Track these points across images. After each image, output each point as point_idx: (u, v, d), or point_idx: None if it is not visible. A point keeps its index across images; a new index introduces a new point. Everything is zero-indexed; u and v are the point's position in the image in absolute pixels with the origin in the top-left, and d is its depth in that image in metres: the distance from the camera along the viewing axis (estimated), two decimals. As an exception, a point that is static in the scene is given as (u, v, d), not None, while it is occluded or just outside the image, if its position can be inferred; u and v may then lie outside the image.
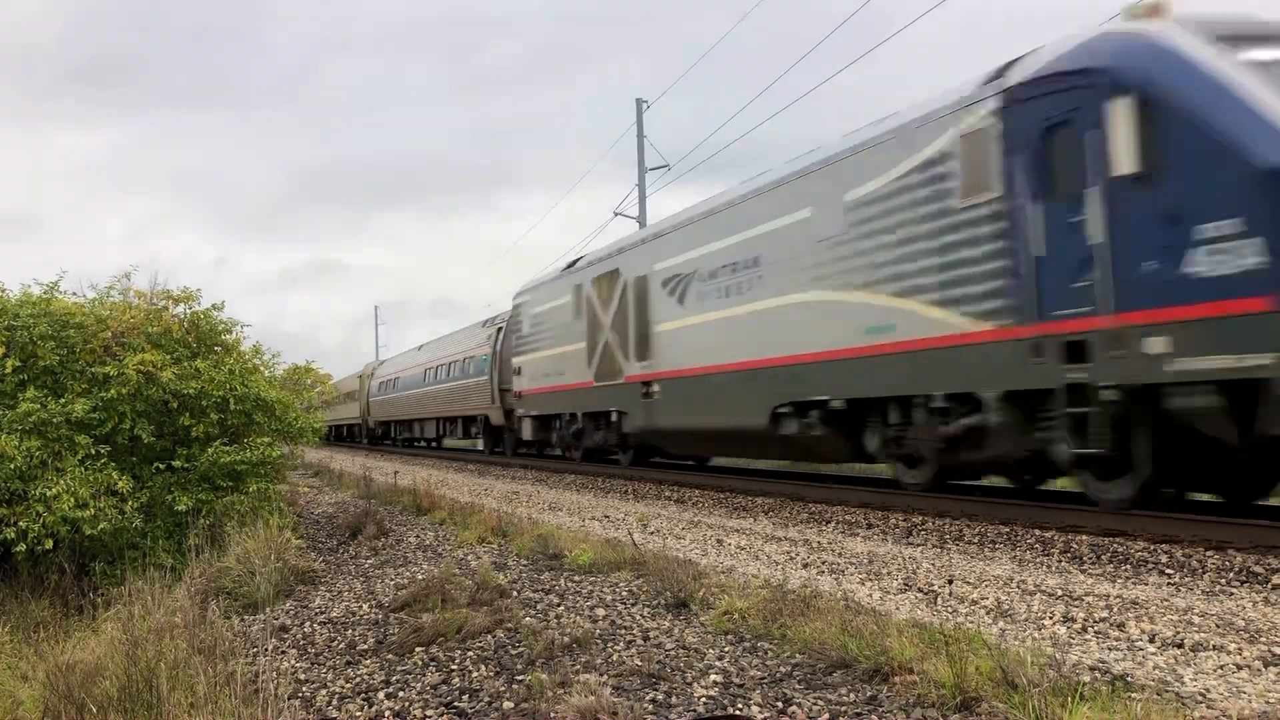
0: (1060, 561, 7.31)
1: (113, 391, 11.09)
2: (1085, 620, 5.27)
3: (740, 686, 4.57)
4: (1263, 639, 4.73)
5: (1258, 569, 6.47)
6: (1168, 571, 6.67)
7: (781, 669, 4.78)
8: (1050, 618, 5.39)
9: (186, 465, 11.55)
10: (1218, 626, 5.01)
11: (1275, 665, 4.29)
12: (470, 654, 5.68)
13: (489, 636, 5.98)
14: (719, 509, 11.96)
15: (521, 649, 5.62)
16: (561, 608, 6.56)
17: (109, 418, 11.20)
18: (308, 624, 7.11)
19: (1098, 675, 4.16)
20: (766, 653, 5.08)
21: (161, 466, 11.51)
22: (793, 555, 8.02)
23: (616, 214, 29.13)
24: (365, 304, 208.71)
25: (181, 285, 12.95)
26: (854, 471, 16.85)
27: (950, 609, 5.74)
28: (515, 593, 7.13)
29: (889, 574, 6.94)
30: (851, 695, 4.30)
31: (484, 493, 15.65)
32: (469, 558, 9.02)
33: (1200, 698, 3.87)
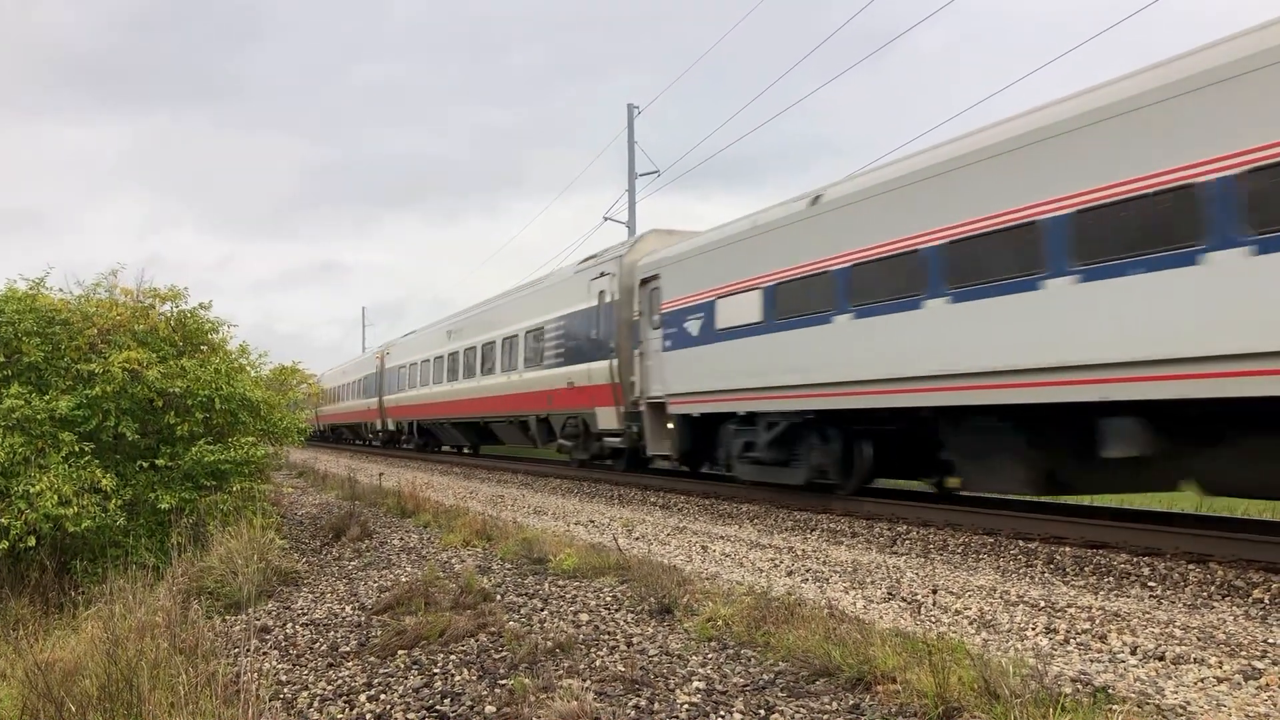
0: (1044, 573, 7.34)
1: (98, 389, 11.00)
2: (1068, 632, 5.30)
3: (723, 694, 4.57)
4: (1243, 653, 4.76)
5: (1239, 583, 6.52)
6: (1150, 584, 6.71)
7: (764, 677, 4.79)
8: (1033, 629, 5.42)
9: (170, 464, 11.47)
10: (1199, 640, 5.05)
11: (1255, 679, 4.32)
12: (453, 657, 5.66)
13: (472, 640, 5.97)
14: (704, 515, 11.96)
15: (505, 653, 5.60)
16: (545, 612, 6.55)
17: (93, 415, 11.12)
18: (290, 625, 7.07)
19: (1079, 686, 4.18)
20: (750, 660, 5.08)
21: (145, 464, 11.42)
22: (777, 563, 8.02)
23: (606, 219, 29.18)
24: (365, 304, 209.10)
25: (169, 284, 12.89)
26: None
27: (934, 619, 5.75)
28: (499, 597, 7.11)
29: (873, 583, 6.95)
30: (834, 704, 4.30)
31: (469, 496, 15.61)
32: (453, 561, 9.00)
33: (1181, 710, 3.90)
